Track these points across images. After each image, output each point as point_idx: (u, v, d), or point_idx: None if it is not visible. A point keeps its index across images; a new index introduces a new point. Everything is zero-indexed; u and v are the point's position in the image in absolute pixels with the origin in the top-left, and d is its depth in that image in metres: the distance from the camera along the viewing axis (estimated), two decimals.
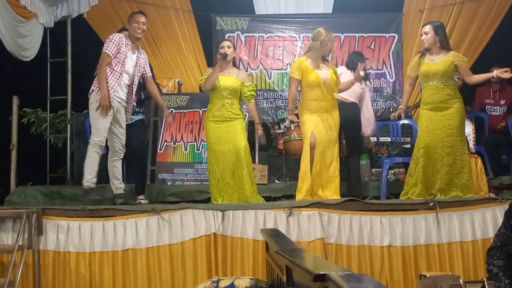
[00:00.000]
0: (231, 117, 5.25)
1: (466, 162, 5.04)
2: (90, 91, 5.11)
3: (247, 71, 7.99)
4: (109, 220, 4.69)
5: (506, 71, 5.00)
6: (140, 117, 5.72)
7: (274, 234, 2.99)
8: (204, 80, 5.31)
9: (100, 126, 5.01)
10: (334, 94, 5.26)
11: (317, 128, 5.08)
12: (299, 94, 5.46)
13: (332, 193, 5.09)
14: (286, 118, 6.51)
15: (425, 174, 5.04)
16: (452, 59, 5.02)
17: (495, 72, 5.05)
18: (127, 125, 5.29)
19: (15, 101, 5.91)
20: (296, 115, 5.33)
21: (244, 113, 5.64)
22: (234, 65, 5.48)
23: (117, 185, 5.13)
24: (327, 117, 5.13)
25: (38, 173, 6.93)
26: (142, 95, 5.82)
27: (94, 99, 5.04)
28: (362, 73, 5.33)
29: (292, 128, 6.18)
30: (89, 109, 5.09)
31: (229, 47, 5.32)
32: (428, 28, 5.09)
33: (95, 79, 5.11)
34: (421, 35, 5.17)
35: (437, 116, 5.03)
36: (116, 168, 5.14)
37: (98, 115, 4.99)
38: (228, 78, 5.26)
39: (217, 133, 5.21)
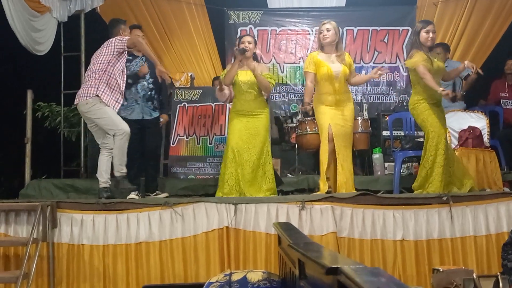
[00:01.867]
0: (254, 113, 5.24)
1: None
2: (89, 93, 5.03)
3: None
4: (122, 214, 4.71)
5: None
6: (157, 114, 5.71)
7: (287, 228, 2.99)
8: (223, 75, 5.35)
9: (117, 117, 5.09)
10: (348, 87, 5.25)
11: (333, 120, 5.07)
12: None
13: (351, 185, 5.09)
14: (299, 112, 6.51)
15: (448, 171, 5.02)
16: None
17: (466, 63, 5.19)
18: (144, 121, 5.44)
19: (30, 95, 5.96)
20: (312, 108, 5.34)
21: None
22: (255, 59, 5.44)
23: (107, 179, 5.12)
24: (342, 110, 5.13)
25: (52, 167, 7.00)
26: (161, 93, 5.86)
27: (97, 101, 5.03)
28: (380, 72, 5.27)
29: (305, 122, 6.18)
30: (97, 111, 5.04)
31: (249, 43, 5.31)
32: (433, 27, 5.12)
33: (93, 77, 5.09)
34: (428, 33, 5.04)
35: (441, 114, 5.11)
36: (109, 162, 5.16)
37: (109, 110, 5.05)
38: (247, 73, 5.27)
39: (238, 128, 5.20)
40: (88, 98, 5.03)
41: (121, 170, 5.10)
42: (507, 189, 5.16)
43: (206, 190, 5.75)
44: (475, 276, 2.80)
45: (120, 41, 5.12)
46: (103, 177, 5.11)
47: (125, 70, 5.28)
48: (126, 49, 5.16)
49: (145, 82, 5.58)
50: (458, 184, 5.01)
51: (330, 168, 5.11)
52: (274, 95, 7.76)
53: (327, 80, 5.10)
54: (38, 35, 6.26)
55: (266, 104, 5.44)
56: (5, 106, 8.26)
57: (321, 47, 5.22)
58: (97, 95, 5.01)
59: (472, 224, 4.60)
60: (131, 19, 7.53)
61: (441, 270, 2.99)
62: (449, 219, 4.61)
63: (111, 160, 5.14)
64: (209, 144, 6.47)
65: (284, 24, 8.05)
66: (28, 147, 5.83)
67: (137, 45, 5.22)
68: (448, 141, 5.11)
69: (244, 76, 5.27)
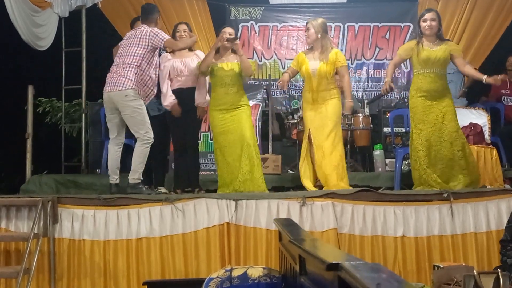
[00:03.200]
0: (236, 106, 5.19)
1: (470, 150, 5.09)
2: (128, 86, 4.97)
3: (260, 61, 7.99)
4: (123, 209, 4.72)
5: (496, 80, 5.07)
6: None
7: (287, 224, 2.99)
8: (199, 62, 5.25)
9: (149, 122, 5.05)
10: (331, 84, 5.22)
11: (313, 123, 5.18)
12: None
13: (337, 181, 5.06)
14: (300, 108, 6.50)
15: (436, 165, 4.99)
16: (450, 48, 5.05)
17: (485, 78, 5.03)
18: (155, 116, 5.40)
19: (30, 90, 5.95)
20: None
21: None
22: (233, 52, 5.34)
23: (118, 174, 5.14)
24: (321, 108, 5.16)
25: (53, 162, 7.00)
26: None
27: (137, 97, 5.00)
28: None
29: None
30: (135, 108, 4.97)
31: (230, 34, 5.28)
32: (434, 15, 5.07)
33: (128, 69, 5.02)
34: (425, 21, 5.04)
35: (433, 104, 5.00)
36: (119, 158, 5.17)
37: (145, 111, 5.04)
38: (228, 65, 5.22)
39: (222, 123, 5.16)
40: (125, 89, 4.95)
41: (139, 176, 5.05)
42: (508, 186, 5.15)
43: (207, 186, 5.74)
44: (475, 273, 2.80)
45: (156, 37, 5.03)
46: (116, 174, 5.10)
47: (159, 65, 5.25)
48: (159, 48, 5.15)
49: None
50: (455, 180, 4.99)
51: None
52: (275, 91, 7.75)
53: (307, 77, 5.24)
54: (39, 30, 6.25)
55: (246, 97, 5.40)
56: (6, 101, 8.26)
57: (310, 45, 5.34)
58: (134, 88, 4.96)
59: (472, 221, 4.60)
60: (132, 14, 7.51)
61: (442, 266, 3.00)
62: (449, 215, 4.61)
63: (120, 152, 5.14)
64: (210, 140, 6.46)
65: (285, 20, 8.04)
66: (29, 143, 5.83)
67: (173, 48, 5.20)
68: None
69: (226, 68, 5.21)
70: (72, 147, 7.20)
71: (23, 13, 5.82)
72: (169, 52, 5.55)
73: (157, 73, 5.21)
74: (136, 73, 4.99)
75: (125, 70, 4.99)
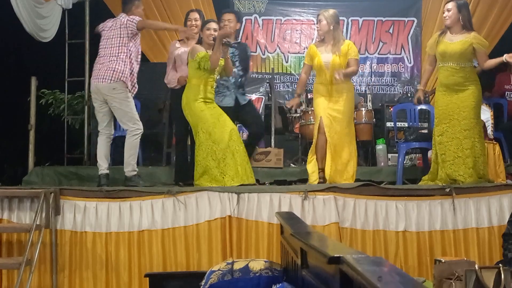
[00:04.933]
0: (213, 100, 5.19)
1: (484, 146, 5.03)
2: (116, 78, 5.04)
3: (263, 54, 7.97)
4: (125, 201, 4.72)
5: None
6: (247, 98, 5.71)
7: (289, 217, 3.00)
8: (207, 59, 4.97)
9: (136, 114, 5.12)
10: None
11: (325, 112, 5.10)
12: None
13: (346, 178, 5.09)
14: (302, 102, 6.49)
15: (445, 161, 4.97)
16: (471, 41, 4.87)
17: (505, 56, 4.87)
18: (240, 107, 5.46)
19: (34, 82, 5.95)
20: (310, 99, 5.38)
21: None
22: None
23: (107, 164, 5.20)
24: (336, 100, 5.13)
25: (55, 154, 7.02)
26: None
27: (124, 89, 5.06)
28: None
29: (309, 112, 6.17)
30: (122, 100, 5.06)
31: (215, 30, 5.15)
32: (451, 5, 4.92)
33: (116, 60, 5.07)
34: (443, 12, 5.01)
35: (452, 100, 4.94)
36: (108, 148, 5.24)
37: (133, 103, 5.09)
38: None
39: (212, 113, 5.07)
40: (114, 81, 5.01)
41: (134, 168, 5.13)
42: (510, 181, 5.14)
43: None
44: (477, 267, 2.80)
45: (131, 23, 5.09)
46: (105, 163, 5.14)
47: (140, 54, 5.26)
48: (138, 31, 5.13)
49: (235, 69, 5.52)
50: (460, 177, 4.97)
51: (323, 160, 5.13)
52: (278, 84, 7.75)
53: (319, 70, 5.19)
54: (43, 22, 6.25)
55: None
56: (9, 93, 8.27)
57: (320, 37, 5.28)
58: (123, 81, 5.02)
59: (474, 216, 4.60)
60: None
61: (443, 261, 3.00)
62: (451, 210, 4.61)
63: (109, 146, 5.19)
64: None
65: (289, 13, 8.02)
66: (32, 134, 5.84)
67: (147, 27, 5.18)
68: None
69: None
70: (75, 139, 7.20)
71: (27, 5, 5.81)
72: (179, 40, 5.57)
73: (138, 61, 5.21)
74: (124, 64, 5.05)
75: (113, 63, 5.05)
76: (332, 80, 5.10)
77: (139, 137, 5.12)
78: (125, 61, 5.07)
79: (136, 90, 5.21)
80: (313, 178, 5.16)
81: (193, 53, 5.06)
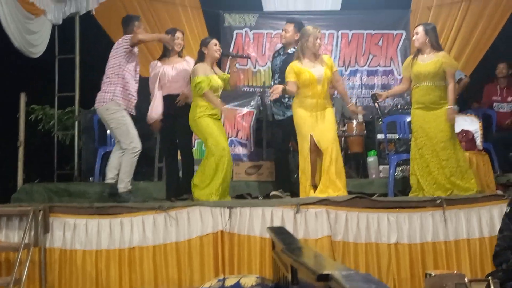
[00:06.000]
0: (220, 117, 5.32)
1: (464, 158, 5.11)
2: (107, 99, 5.07)
3: (255, 68, 8.01)
4: (115, 218, 4.69)
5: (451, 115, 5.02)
6: (291, 112, 5.48)
7: (280, 232, 2.99)
8: (200, 87, 5.10)
9: (134, 132, 5.11)
10: (328, 92, 5.28)
11: (315, 129, 5.08)
12: None
13: (342, 187, 5.08)
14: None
15: (431, 173, 5.02)
16: (441, 60, 5.05)
17: (448, 109, 5.00)
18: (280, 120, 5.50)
19: (23, 98, 5.92)
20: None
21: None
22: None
23: (115, 175, 5.19)
24: (323, 114, 5.13)
25: (45, 170, 6.96)
26: None
27: (117, 109, 5.08)
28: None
29: None
30: (117, 120, 5.08)
31: (217, 46, 5.33)
32: (419, 29, 5.17)
33: (108, 82, 5.11)
34: (412, 36, 5.24)
35: (429, 115, 5.06)
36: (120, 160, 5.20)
37: (128, 121, 5.09)
38: (219, 77, 5.31)
39: (220, 130, 5.24)
40: (106, 103, 5.07)
41: (127, 186, 5.12)
42: (500, 192, 5.16)
43: None
44: (466, 281, 2.80)
45: (125, 40, 5.12)
46: (112, 173, 5.18)
47: (138, 69, 5.26)
48: (131, 48, 5.14)
49: (271, 83, 5.51)
50: (444, 188, 5.00)
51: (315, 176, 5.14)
52: (269, 97, 7.76)
53: (309, 85, 5.10)
54: (33, 38, 6.24)
55: None
56: None
57: (303, 53, 5.18)
58: (115, 101, 5.05)
59: (465, 227, 4.60)
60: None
61: (434, 274, 2.99)
62: (442, 222, 4.61)
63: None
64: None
65: (279, 27, 7.94)
66: (21, 151, 5.80)
67: (140, 40, 5.18)
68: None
69: (218, 79, 5.26)
70: (65, 155, 7.16)
71: (16, 20, 5.81)
72: (159, 59, 5.57)
73: (137, 79, 5.22)
74: (115, 84, 5.08)
75: (105, 85, 5.14)
76: (322, 93, 5.12)
77: (137, 156, 5.10)
78: (116, 81, 5.08)
79: (133, 103, 5.18)
80: (305, 192, 5.13)
81: (193, 74, 5.21)
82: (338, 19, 8.01)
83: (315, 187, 5.10)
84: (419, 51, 5.16)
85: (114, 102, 5.07)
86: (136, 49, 5.24)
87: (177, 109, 5.35)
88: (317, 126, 5.10)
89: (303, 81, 5.11)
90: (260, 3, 8.17)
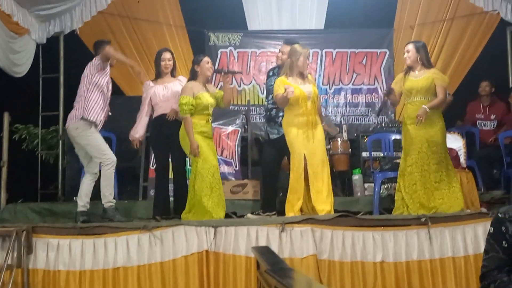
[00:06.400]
0: (211, 136, 5.31)
1: (453, 176, 5.11)
2: (77, 117, 5.12)
3: (239, 86, 8.04)
4: (99, 238, 4.65)
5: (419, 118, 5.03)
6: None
7: (265, 252, 2.98)
8: (183, 108, 5.10)
9: (105, 146, 5.17)
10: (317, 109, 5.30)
11: (307, 147, 5.08)
12: None
13: (330, 208, 5.08)
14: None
15: (416, 191, 5.05)
16: (433, 76, 5.12)
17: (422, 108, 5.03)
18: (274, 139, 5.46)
19: (6, 117, 5.90)
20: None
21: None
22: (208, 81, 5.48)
23: (85, 203, 5.15)
24: (313, 132, 5.13)
25: (29, 190, 6.88)
26: None
27: (87, 127, 5.12)
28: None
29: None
30: (86, 137, 5.12)
31: (213, 64, 5.38)
32: (410, 47, 5.25)
33: (80, 100, 5.16)
34: (404, 54, 5.31)
35: (421, 133, 5.07)
36: (91, 187, 5.20)
37: (98, 137, 5.14)
38: (211, 95, 5.27)
39: (209, 148, 5.19)
40: (77, 121, 5.11)
41: (110, 199, 5.13)
42: (484, 210, 5.19)
43: None
44: None
45: (94, 60, 5.18)
46: (82, 201, 5.12)
47: (110, 88, 5.30)
48: (103, 64, 5.16)
49: (265, 103, 5.48)
50: (430, 207, 5.03)
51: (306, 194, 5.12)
52: (254, 116, 7.79)
53: (300, 101, 5.08)
54: (16, 57, 6.23)
55: None
56: None
57: (291, 71, 5.18)
58: (84, 117, 5.07)
59: (450, 245, 4.61)
60: (112, 41, 7.51)
61: None
62: (427, 240, 4.62)
63: (93, 185, 5.17)
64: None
65: (264, 46, 8.12)
66: (4, 171, 5.75)
67: (110, 56, 5.20)
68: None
69: (210, 98, 5.23)
70: (49, 175, 7.10)
71: (0, 39, 5.79)
72: (152, 80, 5.59)
73: (109, 95, 5.27)
74: (85, 100, 5.12)
75: (75, 103, 5.20)
76: (313, 110, 5.13)
77: (112, 167, 5.11)
78: (86, 97, 5.13)
79: (103, 121, 5.23)
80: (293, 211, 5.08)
81: (181, 93, 5.21)
82: (322, 37, 8.09)
83: (301, 210, 5.10)
84: (410, 68, 5.22)
85: (83, 121, 5.09)
86: (108, 68, 5.26)
87: (171, 128, 5.34)
88: (309, 146, 5.09)
89: (293, 98, 5.06)
90: (245, 22, 8.23)
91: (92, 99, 5.12)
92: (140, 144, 5.52)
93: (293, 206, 5.07)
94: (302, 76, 5.22)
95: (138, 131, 5.48)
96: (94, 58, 5.22)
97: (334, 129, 6.59)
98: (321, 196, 5.08)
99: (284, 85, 5.09)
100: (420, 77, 5.13)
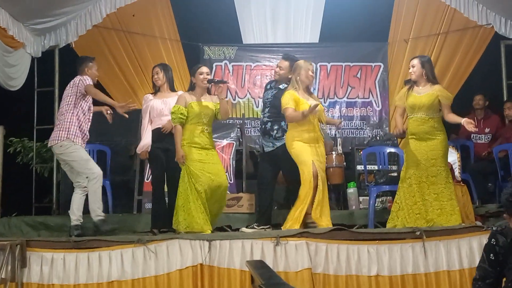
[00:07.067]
0: (209, 146, 5.17)
1: (452, 190, 5.10)
2: (62, 137, 5.17)
3: (234, 100, 8.06)
4: (94, 252, 4.63)
5: (471, 123, 5.09)
6: (281, 142, 5.46)
7: (259, 267, 2.97)
8: (173, 117, 5.10)
9: (90, 160, 5.26)
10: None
11: (315, 157, 5.12)
12: None
13: (329, 220, 5.10)
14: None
15: (414, 203, 5.06)
16: (437, 93, 5.12)
17: (463, 120, 5.14)
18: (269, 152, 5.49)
19: (1, 130, 5.90)
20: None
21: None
22: (208, 92, 5.37)
23: (78, 216, 5.17)
24: (318, 147, 5.19)
25: (23, 203, 6.86)
26: None
27: (70, 144, 5.18)
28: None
29: None
30: (70, 153, 5.19)
31: (208, 74, 5.28)
32: (415, 61, 5.24)
33: (62, 119, 5.22)
34: (409, 68, 5.31)
35: (422, 146, 5.11)
36: (82, 200, 5.23)
37: (83, 152, 5.21)
38: (207, 104, 5.20)
39: (201, 158, 5.08)
40: (60, 141, 5.17)
41: (99, 213, 5.15)
42: (479, 223, 5.19)
43: None
44: None
45: (82, 83, 5.23)
46: (74, 215, 5.13)
47: (91, 109, 5.40)
48: (85, 91, 5.26)
49: (261, 116, 5.50)
50: (427, 220, 5.04)
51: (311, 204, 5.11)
52: (248, 129, 7.81)
53: (309, 117, 5.08)
54: (11, 71, 6.24)
55: None
56: None
57: (298, 86, 5.19)
58: (69, 138, 5.15)
59: (445, 259, 4.61)
60: (106, 54, 7.56)
61: None
62: (422, 253, 4.62)
63: (84, 198, 5.18)
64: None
65: (258, 59, 8.16)
66: None
67: (92, 95, 5.29)
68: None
69: (205, 107, 5.16)
70: (44, 188, 7.08)
71: None
72: (151, 93, 5.61)
73: (90, 118, 5.36)
74: (69, 122, 5.19)
75: (60, 123, 5.24)
76: (317, 126, 5.20)
77: (99, 181, 5.17)
78: (71, 120, 5.20)
79: (85, 140, 5.34)
80: (294, 225, 5.03)
81: (175, 103, 5.18)
82: (317, 51, 8.13)
83: (309, 214, 5.07)
84: (414, 83, 5.23)
85: (67, 140, 5.16)
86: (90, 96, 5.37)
87: (166, 142, 5.33)
88: (316, 156, 5.13)
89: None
90: (240, 35, 8.27)
91: (72, 121, 5.20)
92: (146, 154, 5.51)
93: (300, 211, 5.04)
94: (309, 91, 5.26)
95: (144, 142, 5.52)
96: (79, 79, 5.26)
97: (329, 143, 6.61)
98: (326, 209, 5.12)
99: (295, 99, 5.11)
100: (423, 94, 5.13)
